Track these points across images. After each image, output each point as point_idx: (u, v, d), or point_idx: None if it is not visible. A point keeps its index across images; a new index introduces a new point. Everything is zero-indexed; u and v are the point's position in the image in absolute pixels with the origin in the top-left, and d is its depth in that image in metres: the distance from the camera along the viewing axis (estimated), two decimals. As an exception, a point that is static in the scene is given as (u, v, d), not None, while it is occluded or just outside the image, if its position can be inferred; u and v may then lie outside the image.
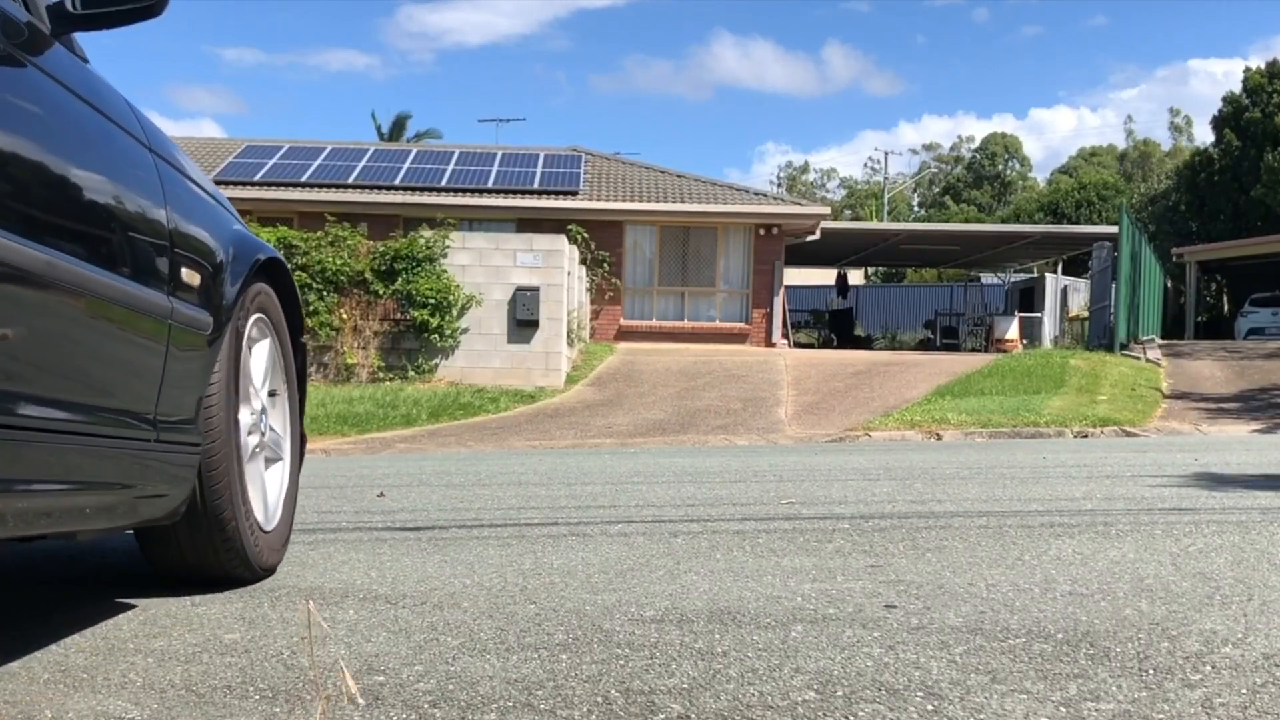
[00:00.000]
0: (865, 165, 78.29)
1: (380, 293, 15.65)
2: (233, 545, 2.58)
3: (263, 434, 2.85)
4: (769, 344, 22.99)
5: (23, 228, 1.76)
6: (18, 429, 1.77)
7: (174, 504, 2.39)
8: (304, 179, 22.64)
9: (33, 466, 1.83)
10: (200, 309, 2.44)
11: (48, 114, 1.98)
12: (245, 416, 2.70)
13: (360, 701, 1.70)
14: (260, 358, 2.85)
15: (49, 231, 1.86)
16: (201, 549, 2.58)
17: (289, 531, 2.98)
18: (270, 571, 2.80)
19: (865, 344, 29.83)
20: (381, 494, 4.68)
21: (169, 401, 2.30)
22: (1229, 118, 38.27)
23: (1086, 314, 26.83)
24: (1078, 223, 40.91)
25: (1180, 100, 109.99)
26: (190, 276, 2.42)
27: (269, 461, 2.90)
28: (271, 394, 2.94)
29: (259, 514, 2.74)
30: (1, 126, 1.75)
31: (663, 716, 1.62)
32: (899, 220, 55.36)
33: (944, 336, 30.16)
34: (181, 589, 2.66)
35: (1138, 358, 18.83)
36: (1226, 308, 34.66)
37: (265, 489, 2.86)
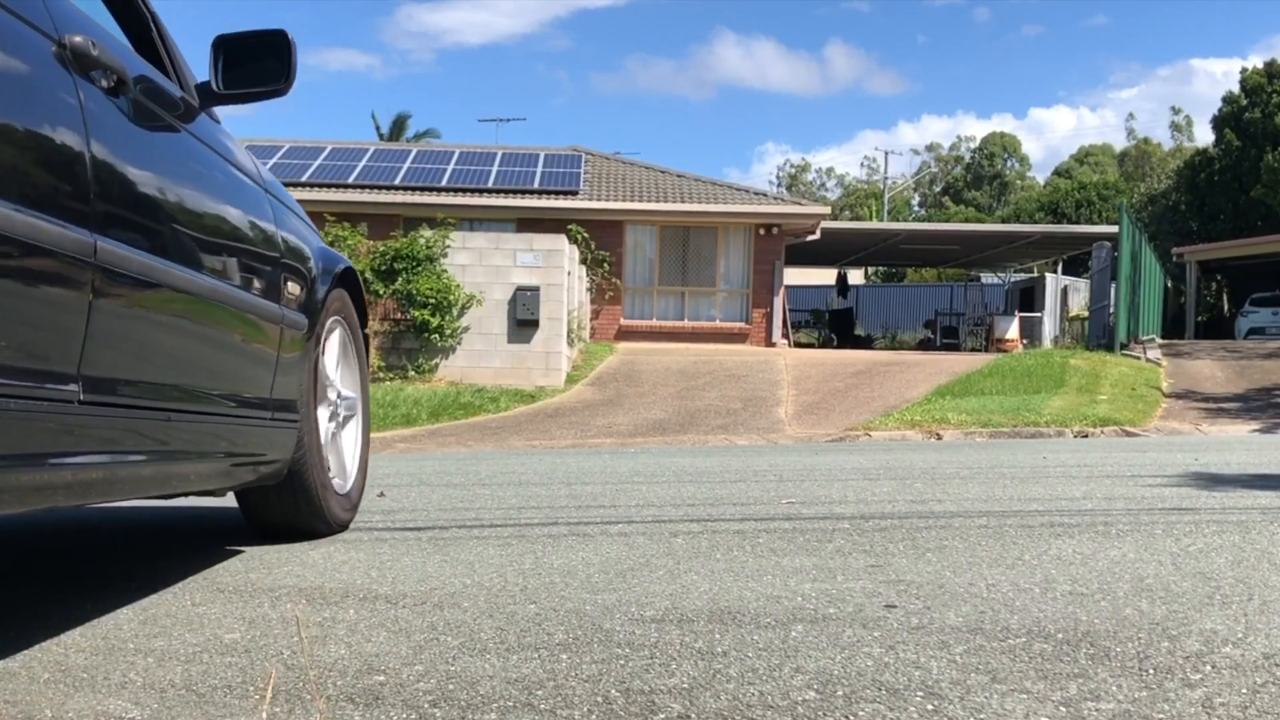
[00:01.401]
0: (863, 165, 78.29)
1: (380, 292, 15.65)
2: (314, 504, 3.22)
3: (339, 418, 3.49)
4: (769, 344, 22.99)
5: (185, 259, 2.38)
6: (194, 414, 2.46)
7: (281, 468, 3.04)
8: (304, 179, 22.64)
9: (205, 441, 2.55)
10: (299, 314, 3.10)
11: (197, 168, 2.59)
12: (323, 408, 3.33)
13: (277, 709, 1.70)
14: (333, 352, 3.48)
15: (204, 258, 2.50)
16: (289, 507, 3.21)
17: (361, 496, 3.61)
18: (344, 527, 3.44)
19: (865, 344, 29.83)
20: (381, 494, 4.68)
21: (280, 388, 2.96)
22: (1229, 118, 38.28)
23: (1086, 314, 26.83)
24: (1078, 223, 40.91)
25: (1181, 100, 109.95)
26: (293, 290, 3.08)
27: (344, 431, 3.55)
28: (345, 397, 3.59)
29: (336, 480, 3.38)
30: (161, 177, 2.35)
31: (663, 716, 1.62)
32: (899, 220, 55.36)
33: (944, 336, 30.16)
34: (270, 540, 3.30)
35: (1138, 357, 18.84)
36: (1226, 307, 34.66)
37: (343, 458, 3.50)
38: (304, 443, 3.13)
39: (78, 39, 2.06)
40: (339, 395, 3.53)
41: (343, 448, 3.54)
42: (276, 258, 3.00)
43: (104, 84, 2.15)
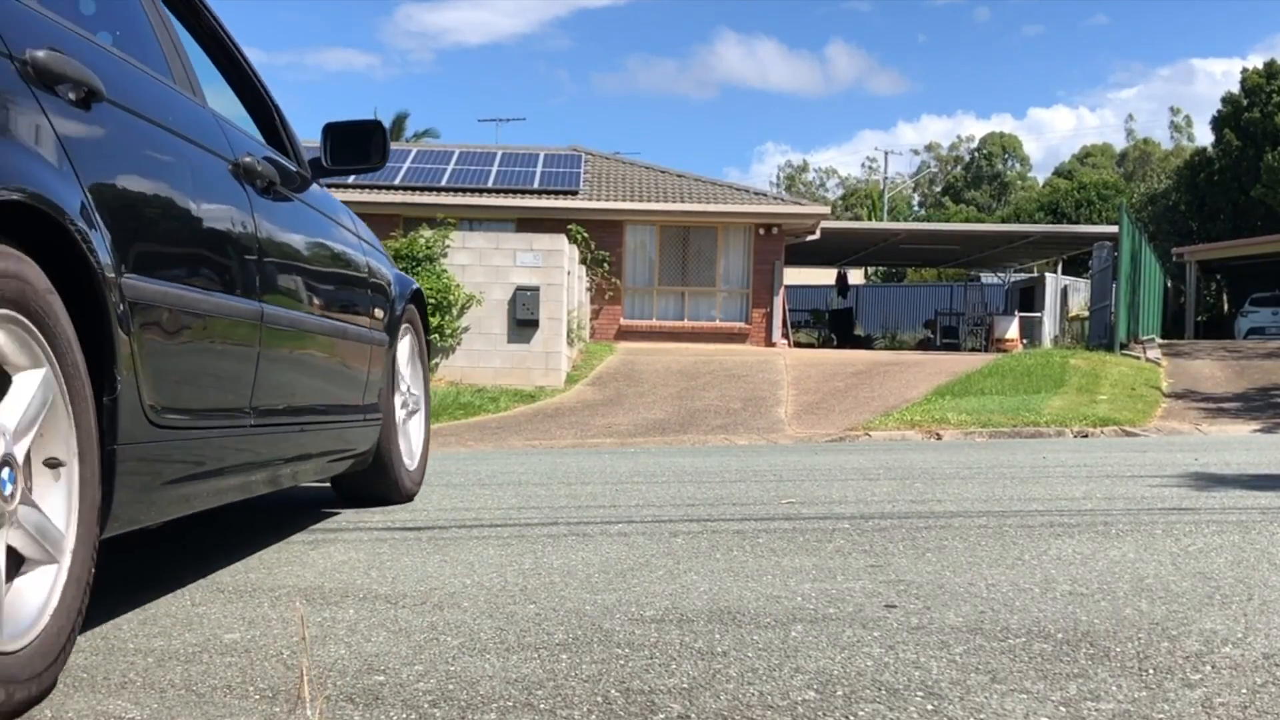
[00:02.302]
0: (863, 165, 78.31)
1: (380, 292, 15.64)
2: (389, 479, 4.16)
3: (409, 409, 4.36)
4: (769, 344, 22.99)
5: (307, 303, 3.19)
6: (306, 422, 3.21)
7: (368, 455, 3.93)
8: (304, 179, 22.60)
9: (323, 443, 3.39)
10: (384, 333, 3.90)
11: (317, 233, 3.40)
12: (398, 399, 4.18)
13: (309, 714, 1.70)
14: (404, 356, 4.29)
15: (324, 304, 3.35)
16: (373, 482, 4.16)
17: (424, 471, 4.56)
18: (411, 497, 4.34)
19: (865, 344, 29.82)
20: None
21: (368, 395, 3.75)
22: (1228, 118, 38.27)
23: (1086, 314, 26.84)
24: (1078, 222, 40.91)
25: (1181, 100, 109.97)
26: (379, 314, 3.87)
27: (412, 420, 4.43)
28: (413, 394, 4.43)
29: (406, 460, 4.28)
30: (297, 247, 3.15)
31: (663, 716, 1.62)
32: (899, 220, 55.35)
33: (944, 336, 30.16)
34: (354, 506, 4.22)
35: (1138, 357, 18.84)
36: (1226, 307, 34.65)
37: (411, 443, 4.39)
38: (384, 433, 3.99)
39: (247, 159, 2.87)
40: (408, 391, 4.36)
41: (410, 434, 4.41)
42: (368, 293, 3.81)
43: (259, 185, 2.92)
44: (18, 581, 1.77)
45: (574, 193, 23.27)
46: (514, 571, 2.77)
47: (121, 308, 2.15)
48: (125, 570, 2.87)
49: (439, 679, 1.81)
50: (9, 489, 1.74)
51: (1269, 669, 1.78)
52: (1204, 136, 47.29)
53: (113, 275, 2.11)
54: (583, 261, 20.36)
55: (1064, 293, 29.91)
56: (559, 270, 16.15)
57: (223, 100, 3.13)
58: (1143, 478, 5.07)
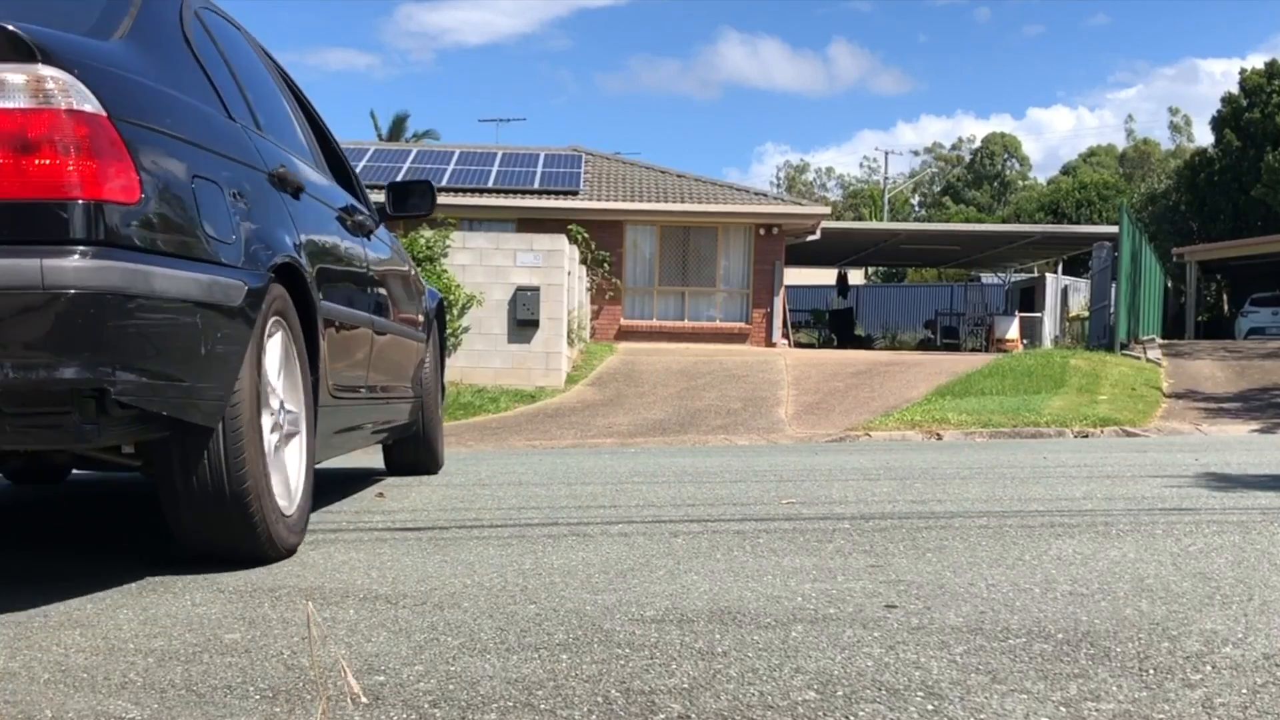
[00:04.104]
0: (863, 165, 78.26)
1: (381, 292, 15.63)
2: (432, 452, 5.52)
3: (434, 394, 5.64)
4: (769, 344, 22.99)
5: (399, 317, 4.56)
6: (398, 397, 4.62)
7: (413, 427, 5.16)
8: (304, 179, 22.59)
9: (400, 409, 4.71)
10: (423, 333, 5.21)
11: (388, 267, 4.60)
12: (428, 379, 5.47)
13: (364, 700, 1.70)
14: (431, 353, 5.52)
15: (404, 312, 4.74)
16: (417, 453, 5.44)
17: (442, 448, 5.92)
18: (439, 468, 5.70)
19: (865, 344, 29.82)
20: (381, 494, 4.68)
21: (414, 378, 5.03)
22: (1228, 118, 38.27)
23: (1087, 314, 26.83)
24: (1078, 223, 40.90)
25: (1180, 100, 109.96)
26: (422, 320, 5.19)
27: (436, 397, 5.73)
28: (440, 383, 5.85)
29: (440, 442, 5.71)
30: (383, 275, 4.42)
31: (663, 716, 1.62)
32: (899, 220, 55.34)
33: (944, 336, 30.16)
34: (400, 475, 5.49)
35: (1138, 357, 18.83)
36: (1227, 307, 34.64)
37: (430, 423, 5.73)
38: (423, 411, 5.28)
39: (360, 217, 4.27)
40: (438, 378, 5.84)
41: (435, 413, 5.73)
42: (418, 304, 5.19)
43: (363, 232, 4.29)
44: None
45: (574, 193, 23.26)
46: (514, 571, 2.77)
47: (320, 320, 3.44)
48: (125, 570, 2.87)
49: (439, 679, 1.81)
50: (280, 416, 3.18)
51: (1269, 669, 1.78)
52: (1203, 136, 47.28)
53: (316, 299, 3.41)
54: (583, 261, 20.36)
55: (1064, 293, 29.91)
56: (559, 270, 16.15)
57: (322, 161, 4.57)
58: (1143, 478, 5.07)
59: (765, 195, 25.86)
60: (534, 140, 50.89)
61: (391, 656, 1.96)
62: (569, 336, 16.88)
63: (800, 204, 26.46)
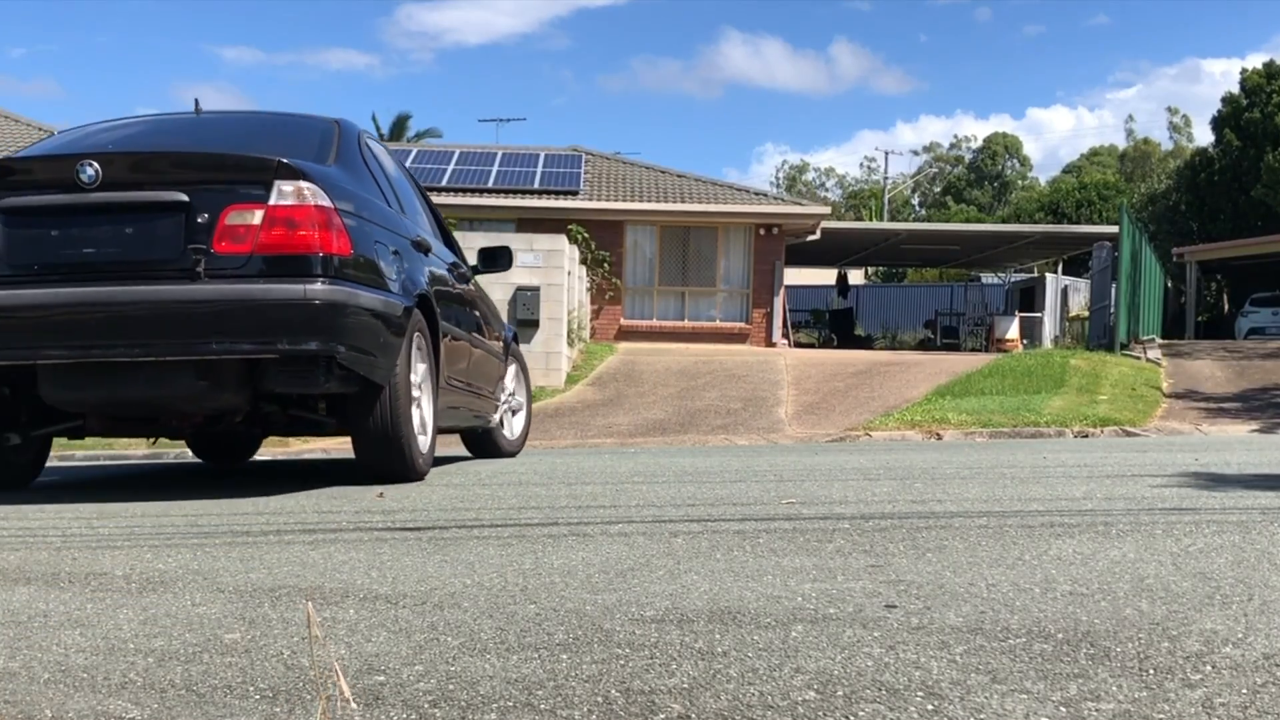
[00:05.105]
0: (863, 165, 78.22)
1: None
2: (499, 444, 7.35)
3: (510, 407, 7.50)
4: (769, 344, 22.98)
5: (487, 337, 6.77)
6: (484, 395, 6.69)
7: (494, 422, 7.12)
8: (304, 179, 22.58)
9: (487, 404, 6.78)
10: (504, 350, 7.20)
11: (480, 305, 6.83)
12: (502, 395, 7.29)
13: (353, 706, 1.70)
14: (511, 373, 7.49)
15: (490, 335, 6.92)
16: (493, 444, 7.34)
17: (524, 442, 7.92)
18: (513, 456, 7.50)
19: (865, 344, 29.80)
20: (381, 494, 4.68)
21: (496, 386, 7.01)
22: (1228, 118, 38.26)
23: (1087, 314, 26.83)
24: (1078, 223, 40.88)
25: (1180, 100, 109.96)
26: (501, 340, 7.19)
27: (515, 411, 7.69)
28: (516, 397, 7.72)
29: (507, 432, 7.49)
30: (476, 309, 6.70)
31: (663, 716, 1.62)
32: (899, 220, 55.31)
33: (944, 336, 30.16)
34: (479, 457, 7.40)
35: (1138, 357, 18.83)
36: (1227, 307, 34.64)
37: (513, 426, 7.65)
38: (501, 411, 7.30)
39: (462, 269, 6.61)
40: (511, 395, 7.57)
41: (513, 421, 7.71)
42: (499, 333, 7.21)
43: (465, 277, 6.56)
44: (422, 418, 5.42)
45: (574, 193, 23.24)
46: (514, 571, 2.77)
47: (440, 332, 5.52)
48: (125, 570, 2.87)
49: (439, 679, 1.81)
50: (417, 391, 5.20)
51: (1269, 669, 1.78)
52: (1203, 137, 47.27)
53: (439, 318, 5.49)
54: (583, 261, 20.35)
55: (1064, 293, 29.90)
56: (559, 270, 16.14)
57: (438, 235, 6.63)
58: (1143, 478, 5.07)
59: (765, 195, 25.86)
60: (534, 140, 50.90)
61: (391, 656, 1.96)
62: (569, 336, 16.87)
63: (800, 204, 26.46)
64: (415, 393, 5.17)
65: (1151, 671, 1.77)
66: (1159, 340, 22.66)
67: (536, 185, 23.19)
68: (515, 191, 22.93)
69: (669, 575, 2.68)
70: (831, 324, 31.53)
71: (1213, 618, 2.12)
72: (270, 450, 10.97)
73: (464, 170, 23.73)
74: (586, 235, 21.74)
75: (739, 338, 23.06)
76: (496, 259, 6.94)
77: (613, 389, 15.56)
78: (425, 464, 5.31)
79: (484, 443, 7.38)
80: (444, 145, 28.14)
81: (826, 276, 38.18)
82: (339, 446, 10.34)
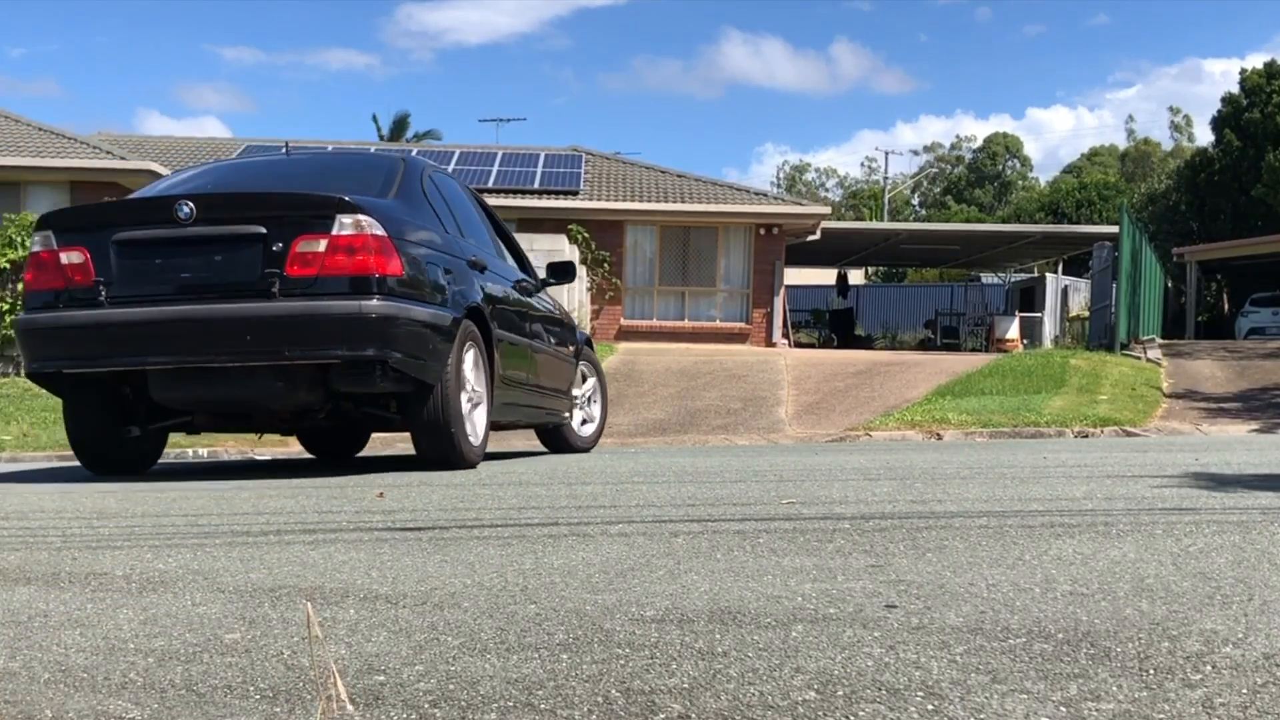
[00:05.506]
0: (863, 165, 78.20)
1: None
2: (570, 440, 8.36)
3: (584, 400, 8.63)
4: (769, 344, 22.97)
5: (551, 343, 7.69)
6: (552, 392, 7.67)
7: (566, 418, 8.13)
8: (304, 179, 22.57)
9: (557, 403, 7.83)
10: (573, 353, 8.20)
11: (545, 314, 7.80)
12: (575, 392, 8.35)
13: (350, 708, 1.70)
14: (584, 373, 8.55)
15: (556, 341, 7.85)
16: (564, 438, 8.32)
17: (598, 439, 8.92)
18: (587, 450, 8.47)
19: (865, 344, 29.80)
20: (381, 494, 4.68)
21: (567, 386, 8.01)
22: (1229, 118, 38.25)
23: (1087, 314, 26.82)
24: (1078, 222, 40.86)
25: (1180, 100, 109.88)
26: (570, 349, 8.16)
27: (591, 406, 8.76)
28: (585, 378, 8.64)
29: (580, 429, 8.52)
30: (540, 317, 7.62)
31: (663, 716, 1.62)
32: (899, 220, 55.28)
33: (944, 336, 30.15)
34: (553, 452, 8.36)
35: (1138, 357, 18.83)
36: (1227, 307, 34.63)
37: (586, 420, 8.63)
38: (570, 410, 8.15)
39: (523, 283, 7.48)
40: (584, 390, 8.57)
41: (585, 419, 8.65)
42: (570, 336, 8.15)
43: (526, 291, 7.45)
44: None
45: (574, 193, 23.23)
46: (514, 571, 2.77)
47: (494, 338, 6.36)
48: (125, 570, 2.87)
49: (439, 679, 1.81)
50: (472, 393, 6.11)
51: (1269, 669, 1.78)
52: (1204, 136, 47.24)
53: (492, 327, 6.35)
54: (583, 261, 20.34)
55: (1064, 293, 29.89)
56: (559, 270, 16.10)
57: (506, 254, 7.61)
58: (1143, 478, 5.07)
59: (765, 195, 25.85)
60: (534, 140, 50.89)
61: (392, 656, 1.96)
62: (569, 336, 16.83)
63: (800, 204, 26.45)
64: (466, 390, 5.99)
65: (1152, 671, 1.77)
66: (1159, 340, 22.66)
67: (537, 185, 23.19)
68: (515, 191, 22.93)
69: (669, 575, 2.68)
70: (831, 324, 31.52)
71: (1213, 618, 2.12)
72: (271, 450, 10.97)
73: (464, 170, 23.72)
74: (586, 235, 21.74)
75: (739, 338, 23.05)
76: (563, 273, 7.86)
77: (613, 389, 15.54)
78: (476, 454, 6.10)
79: (556, 438, 8.32)
80: (444, 145, 28.14)
81: (826, 276, 38.17)
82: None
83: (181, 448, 10.91)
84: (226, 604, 2.43)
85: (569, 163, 24.72)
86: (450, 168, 23.86)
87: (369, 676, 1.83)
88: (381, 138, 44.38)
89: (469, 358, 6.01)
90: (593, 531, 3.47)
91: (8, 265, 17.66)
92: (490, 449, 8.76)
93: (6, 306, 17.59)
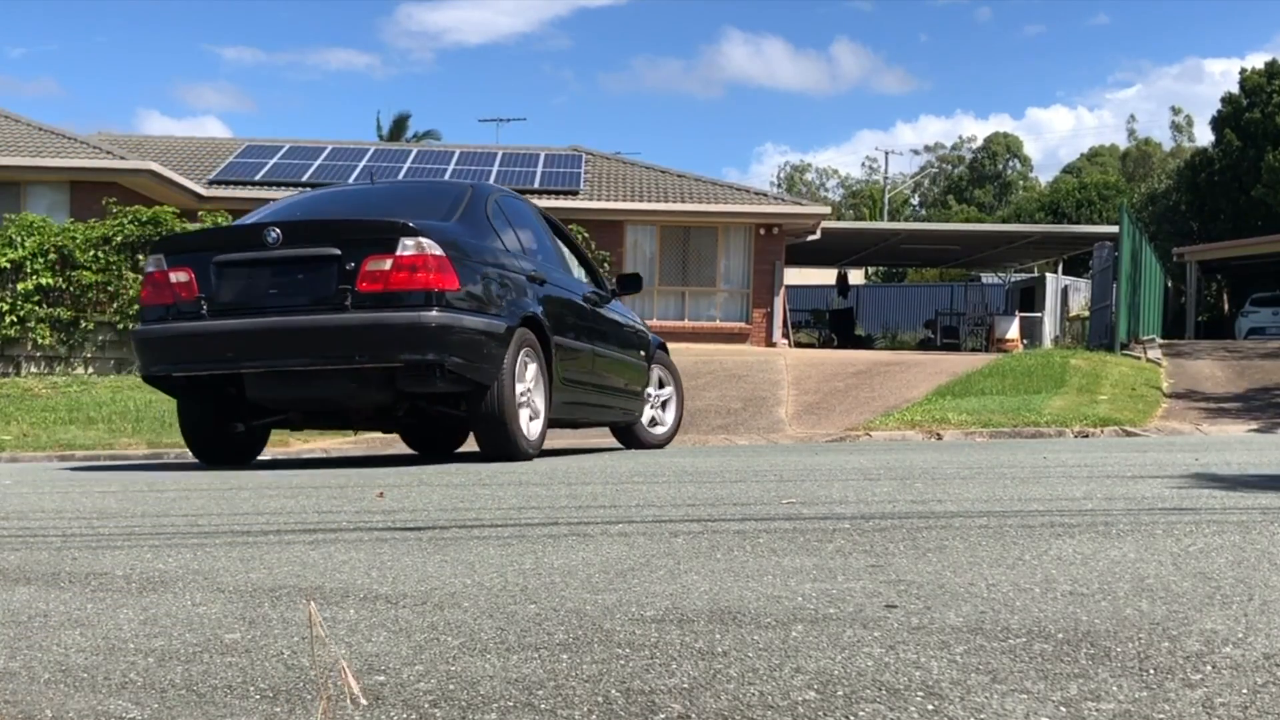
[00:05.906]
0: (863, 165, 78.19)
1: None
2: (641, 437, 9.13)
3: (659, 400, 9.40)
4: (769, 344, 22.97)
5: (618, 348, 8.46)
6: (621, 393, 8.53)
7: (640, 418, 9.06)
8: (304, 179, 22.61)
9: (626, 403, 8.71)
10: (644, 361, 9.01)
11: (613, 322, 8.55)
12: (650, 392, 9.21)
13: (363, 701, 1.70)
14: (655, 377, 9.29)
15: (624, 346, 8.62)
16: (636, 436, 9.11)
17: (671, 438, 9.62)
18: (661, 447, 9.27)
19: (866, 344, 29.80)
20: (381, 494, 4.68)
21: (642, 384, 8.98)
22: (1229, 118, 38.24)
23: (1087, 314, 26.82)
24: (1078, 222, 40.86)
25: (1180, 100, 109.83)
26: (644, 352, 9.06)
27: (664, 408, 9.50)
28: (662, 383, 9.45)
29: (652, 428, 9.29)
30: (607, 323, 8.40)
31: (663, 716, 1.62)
32: (899, 220, 55.26)
33: (944, 336, 30.15)
34: (628, 448, 9.09)
35: (1138, 357, 18.83)
36: (1227, 307, 34.63)
37: (658, 421, 9.40)
38: (642, 409, 8.98)
39: (590, 294, 8.23)
40: (657, 392, 9.30)
41: (659, 416, 9.35)
42: (641, 342, 8.94)
43: (591, 303, 8.15)
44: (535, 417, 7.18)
45: (574, 193, 23.23)
46: (514, 571, 2.77)
47: (554, 347, 7.10)
48: (125, 570, 2.87)
49: (439, 679, 1.81)
50: (522, 387, 6.76)
51: (1269, 669, 1.78)
52: (1204, 136, 47.22)
53: (550, 335, 7.04)
54: (583, 261, 20.33)
55: (1064, 293, 29.89)
56: (559, 270, 16.10)
57: (577, 269, 8.47)
58: (1143, 478, 5.07)
59: (765, 195, 25.84)
60: (534, 140, 50.84)
61: (392, 656, 1.96)
62: (569, 336, 16.83)
63: (800, 204, 26.45)
64: (522, 390, 6.68)
65: (1152, 671, 1.77)
66: (1159, 340, 22.65)
67: (537, 185, 23.18)
68: (515, 191, 22.90)
69: (669, 575, 2.68)
70: (831, 324, 31.52)
71: (1213, 618, 2.12)
72: (271, 450, 10.97)
73: (464, 170, 23.72)
74: (586, 235, 21.73)
75: (739, 337, 23.05)
76: (630, 284, 8.73)
77: (613, 389, 15.54)
78: (532, 447, 6.83)
79: (627, 436, 9.11)
80: (444, 146, 28.14)
81: (826, 276, 38.17)
82: (338, 446, 10.34)
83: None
84: (226, 604, 2.43)
85: (569, 163, 24.72)
86: (450, 168, 23.88)
87: (369, 676, 1.83)
88: (382, 137, 44.38)
89: (525, 361, 6.71)
90: (593, 531, 3.47)
91: (8, 265, 17.67)
92: (567, 445, 9.64)
93: (6, 307, 17.60)
